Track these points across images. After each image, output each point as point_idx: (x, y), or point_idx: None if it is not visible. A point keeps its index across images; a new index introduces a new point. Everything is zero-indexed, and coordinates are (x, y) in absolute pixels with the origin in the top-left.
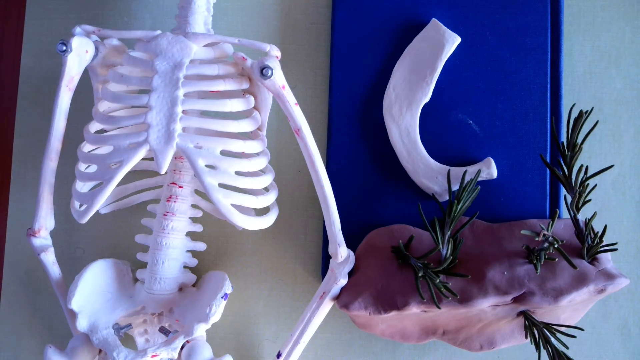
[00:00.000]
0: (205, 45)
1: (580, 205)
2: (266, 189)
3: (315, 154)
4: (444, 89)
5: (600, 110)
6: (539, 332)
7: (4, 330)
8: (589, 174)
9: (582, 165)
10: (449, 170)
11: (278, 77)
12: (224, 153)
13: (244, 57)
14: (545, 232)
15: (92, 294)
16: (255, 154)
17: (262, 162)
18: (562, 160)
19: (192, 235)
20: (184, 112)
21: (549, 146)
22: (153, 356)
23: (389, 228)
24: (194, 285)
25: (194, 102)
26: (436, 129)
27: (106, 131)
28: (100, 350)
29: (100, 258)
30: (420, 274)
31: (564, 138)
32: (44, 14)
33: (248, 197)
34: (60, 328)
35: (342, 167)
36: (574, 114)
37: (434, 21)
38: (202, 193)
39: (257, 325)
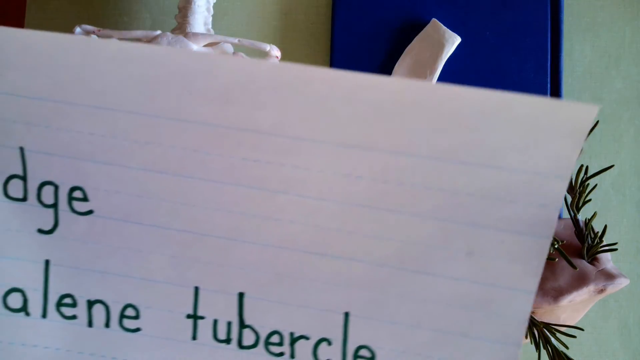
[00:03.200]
0: (205, 45)
1: (580, 205)
2: None
3: None
4: None
5: (600, 110)
6: (539, 332)
7: None
8: (589, 174)
9: (582, 165)
10: None
11: None
12: None
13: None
14: None
15: None
16: None
17: None
18: None
19: None
20: None
21: None
22: None
23: None
24: None
25: None
26: None
27: None
28: None
29: None
30: None
31: None
32: (44, 14)
33: None
34: None
35: None
36: None
37: (434, 21)
38: None
39: None
